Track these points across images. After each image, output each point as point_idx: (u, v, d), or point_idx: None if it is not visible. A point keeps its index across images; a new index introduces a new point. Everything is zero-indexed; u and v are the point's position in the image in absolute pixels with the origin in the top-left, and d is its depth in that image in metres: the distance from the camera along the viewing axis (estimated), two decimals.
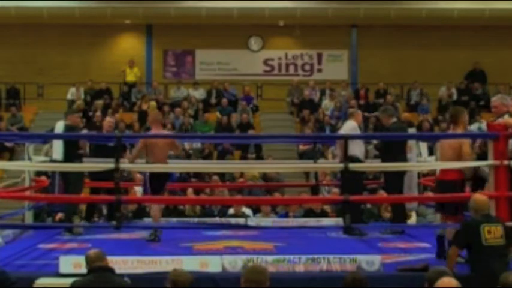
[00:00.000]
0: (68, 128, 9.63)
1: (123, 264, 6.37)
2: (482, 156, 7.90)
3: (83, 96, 19.56)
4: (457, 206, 7.45)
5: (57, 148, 9.52)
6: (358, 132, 9.70)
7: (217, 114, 18.73)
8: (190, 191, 13.28)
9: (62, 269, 6.56)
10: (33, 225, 10.42)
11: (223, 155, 16.16)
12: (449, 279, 4.45)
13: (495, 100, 8.01)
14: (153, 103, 18.75)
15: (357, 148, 9.03)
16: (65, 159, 9.31)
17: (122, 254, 6.68)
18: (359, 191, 8.93)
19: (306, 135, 14.67)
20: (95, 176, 10.09)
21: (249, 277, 4.65)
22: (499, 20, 19.83)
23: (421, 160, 10.03)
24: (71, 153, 9.30)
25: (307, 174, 15.92)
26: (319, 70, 21.45)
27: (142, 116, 18.28)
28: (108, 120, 11.63)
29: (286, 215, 12.29)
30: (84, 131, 14.64)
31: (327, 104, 19.13)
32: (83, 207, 11.15)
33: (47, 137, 9.58)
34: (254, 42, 21.31)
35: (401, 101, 19.69)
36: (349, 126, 9.52)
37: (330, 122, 18.02)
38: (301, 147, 16.50)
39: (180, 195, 13.21)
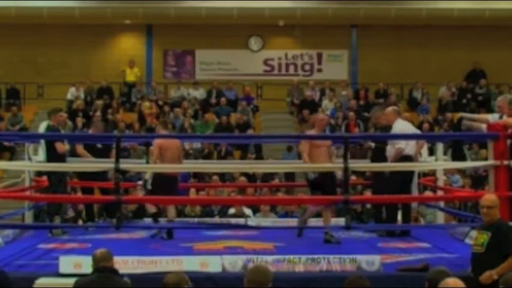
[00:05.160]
0: (49, 128, 9.63)
1: (123, 264, 6.37)
2: None
3: (83, 96, 19.56)
4: None
5: (41, 149, 9.59)
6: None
7: (215, 115, 18.70)
8: (192, 190, 13.33)
9: (62, 269, 6.55)
10: (33, 225, 10.42)
11: (224, 156, 16.17)
12: (454, 280, 4.43)
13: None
14: (147, 103, 18.78)
15: (412, 147, 9.11)
16: (47, 160, 9.33)
17: (122, 254, 6.67)
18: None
19: (306, 135, 14.63)
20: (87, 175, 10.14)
21: (252, 278, 4.65)
22: (499, 20, 19.83)
23: (421, 160, 10.02)
24: (52, 154, 9.30)
25: (307, 174, 15.87)
26: (319, 70, 21.45)
27: (142, 116, 18.31)
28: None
29: (286, 215, 12.30)
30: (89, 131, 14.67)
31: (327, 104, 19.13)
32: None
33: (47, 137, 9.56)
34: (254, 42, 21.31)
35: (401, 101, 19.69)
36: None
37: (329, 122, 18.01)
38: None
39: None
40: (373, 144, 9.49)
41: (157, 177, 9.05)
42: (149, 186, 9.06)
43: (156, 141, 9.16)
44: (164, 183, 9.02)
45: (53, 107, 10.74)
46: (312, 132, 9.31)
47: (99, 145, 10.51)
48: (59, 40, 20.57)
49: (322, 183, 8.57)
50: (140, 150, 15.19)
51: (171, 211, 9.49)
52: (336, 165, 8.16)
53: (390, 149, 9.06)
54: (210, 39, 20.74)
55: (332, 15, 19.62)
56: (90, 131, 11.56)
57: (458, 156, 15.46)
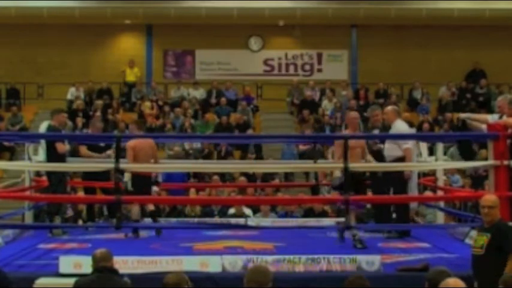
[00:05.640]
0: (50, 128, 9.63)
1: (123, 264, 6.37)
2: None
3: (83, 96, 19.57)
4: None
5: (41, 149, 9.60)
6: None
7: (215, 116, 18.69)
8: (192, 191, 13.34)
9: (62, 269, 6.56)
10: (33, 225, 10.42)
11: (224, 156, 16.18)
12: (454, 280, 4.41)
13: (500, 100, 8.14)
14: (147, 104, 18.80)
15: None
16: (47, 160, 9.34)
17: (122, 254, 6.67)
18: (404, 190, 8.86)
19: (306, 135, 14.68)
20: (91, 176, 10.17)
21: (252, 277, 4.66)
22: (499, 20, 19.84)
23: (421, 160, 10.02)
24: (52, 154, 9.31)
25: (307, 174, 15.93)
26: (319, 70, 21.46)
27: (142, 116, 18.31)
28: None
29: (286, 215, 12.30)
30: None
31: (327, 104, 19.15)
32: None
33: (47, 137, 9.57)
34: (254, 42, 21.32)
35: (401, 101, 19.70)
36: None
37: (330, 122, 18.04)
38: (301, 147, 16.51)
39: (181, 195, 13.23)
40: (382, 146, 9.41)
41: (135, 178, 9.12)
42: (130, 188, 9.10)
43: (129, 143, 9.23)
44: (141, 183, 9.12)
45: (56, 108, 10.75)
46: (345, 132, 9.05)
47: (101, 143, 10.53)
48: (59, 40, 20.57)
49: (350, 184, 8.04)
50: None
51: (135, 210, 9.49)
52: (335, 165, 8.14)
53: (389, 148, 9.03)
54: (210, 39, 20.74)
55: (332, 15, 19.62)
56: (89, 131, 11.59)
57: (466, 153, 15.49)
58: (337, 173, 8.23)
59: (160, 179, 10.85)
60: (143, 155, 9.28)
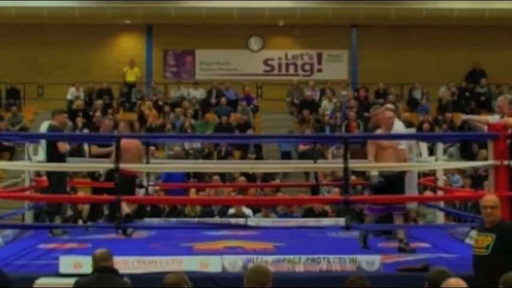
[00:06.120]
0: (51, 128, 9.64)
1: (123, 264, 6.37)
2: None
3: (83, 96, 19.57)
4: None
5: (41, 149, 9.61)
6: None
7: (215, 116, 18.69)
8: (192, 191, 13.35)
9: (62, 269, 6.56)
10: (33, 225, 10.43)
11: (224, 156, 16.18)
12: (456, 280, 4.40)
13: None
14: (148, 103, 18.82)
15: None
16: (47, 159, 9.34)
17: (122, 254, 6.67)
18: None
19: (306, 135, 14.68)
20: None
21: (252, 277, 4.65)
22: (499, 20, 19.84)
23: (421, 160, 10.01)
24: (52, 154, 9.30)
25: (307, 174, 15.93)
26: (319, 70, 21.46)
27: (142, 116, 18.32)
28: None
29: (285, 215, 12.30)
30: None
31: (327, 104, 19.15)
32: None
33: (47, 137, 9.57)
34: (254, 42, 21.32)
35: (401, 101, 19.70)
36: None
37: (329, 122, 18.04)
38: (301, 147, 16.51)
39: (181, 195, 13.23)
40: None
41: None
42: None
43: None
44: (124, 183, 8.94)
45: (57, 108, 10.76)
46: (379, 131, 8.93)
47: None
48: (59, 40, 20.58)
49: (388, 187, 8.03)
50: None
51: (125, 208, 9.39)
52: (335, 165, 8.14)
53: None
54: (210, 39, 20.75)
55: (332, 15, 19.63)
56: (101, 131, 11.58)
57: (468, 154, 15.49)
58: (375, 172, 8.12)
59: (145, 183, 10.70)
60: (130, 156, 9.17)
